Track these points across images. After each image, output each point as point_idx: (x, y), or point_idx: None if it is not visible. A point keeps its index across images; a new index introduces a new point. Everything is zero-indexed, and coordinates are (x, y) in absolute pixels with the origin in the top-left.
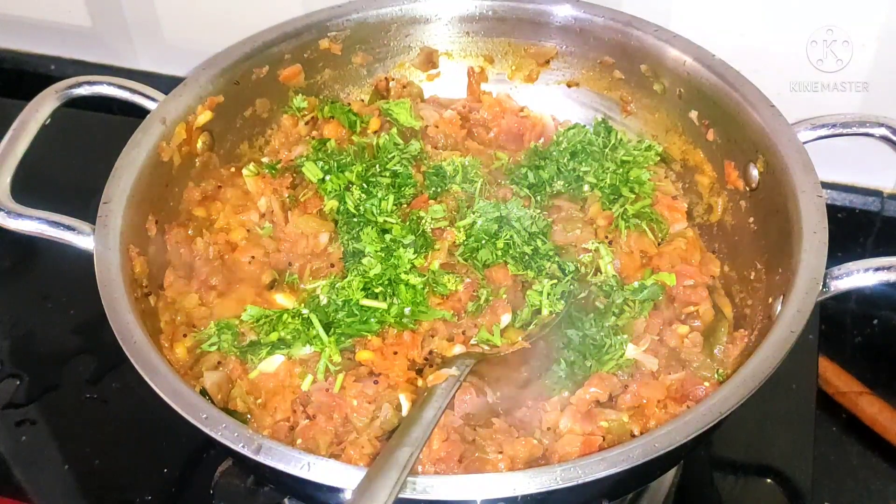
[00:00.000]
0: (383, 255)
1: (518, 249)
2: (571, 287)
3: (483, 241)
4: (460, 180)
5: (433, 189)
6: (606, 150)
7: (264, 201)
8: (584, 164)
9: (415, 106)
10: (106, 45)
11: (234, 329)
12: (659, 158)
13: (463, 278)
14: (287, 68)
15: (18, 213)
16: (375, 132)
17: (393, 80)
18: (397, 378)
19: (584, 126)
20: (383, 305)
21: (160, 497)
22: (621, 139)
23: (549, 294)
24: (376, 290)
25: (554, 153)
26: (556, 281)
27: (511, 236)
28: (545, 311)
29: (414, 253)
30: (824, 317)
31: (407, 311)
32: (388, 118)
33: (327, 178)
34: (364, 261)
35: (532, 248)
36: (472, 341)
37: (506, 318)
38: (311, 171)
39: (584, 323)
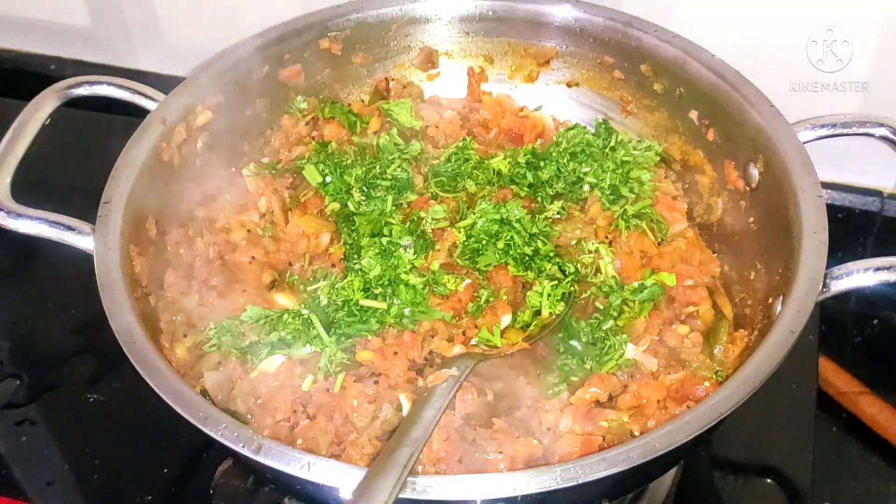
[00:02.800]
0: (382, 256)
1: (518, 250)
2: (572, 288)
3: (483, 242)
4: (455, 167)
5: (433, 191)
6: (606, 150)
7: (264, 201)
8: (584, 164)
9: (415, 106)
10: (106, 45)
11: (235, 329)
12: (659, 158)
13: (463, 279)
14: (287, 68)
15: (18, 213)
16: (376, 132)
17: (393, 80)
18: (397, 378)
19: (584, 126)
20: (383, 306)
21: (160, 497)
22: (621, 140)
23: (549, 295)
24: (376, 291)
25: (553, 154)
26: (556, 282)
27: (511, 237)
28: (545, 313)
29: (414, 253)
30: (824, 317)
31: (407, 311)
32: (389, 118)
33: (328, 179)
34: (364, 262)
35: (532, 248)
36: (472, 342)
37: (506, 319)
38: (312, 175)
39: (581, 334)
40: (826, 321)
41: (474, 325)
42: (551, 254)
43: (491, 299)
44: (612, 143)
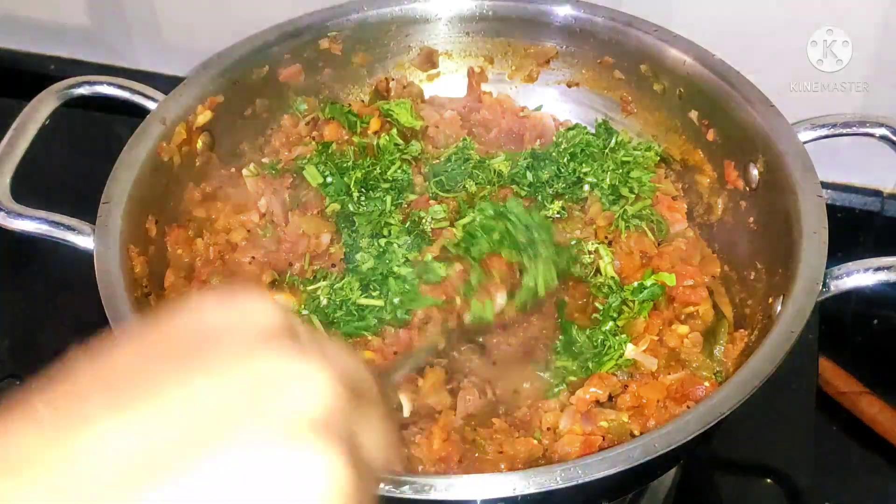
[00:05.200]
0: (378, 257)
1: (513, 238)
2: (569, 266)
3: (479, 234)
4: (455, 167)
5: (433, 191)
6: (606, 150)
7: (264, 201)
8: (584, 164)
9: (415, 106)
10: (106, 45)
11: None
12: (659, 159)
13: (454, 265)
14: (287, 68)
15: (18, 213)
16: (376, 133)
17: (393, 80)
18: (398, 378)
19: (585, 126)
20: (380, 303)
21: None
22: (621, 140)
23: (543, 273)
24: (373, 293)
25: (553, 154)
26: (551, 263)
27: (507, 227)
28: (542, 293)
29: (407, 249)
30: (824, 317)
31: (396, 300)
32: (389, 119)
33: (329, 180)
34: (357, 256)
35: (528, 237)
36: (467, 320)
37: (501, 298)
38: (312, 176)
39: (579, 343)
40: (826, 321)
41: (467, 305)
42: (547, 240)
43: (482, 279)
44: (612, 144)
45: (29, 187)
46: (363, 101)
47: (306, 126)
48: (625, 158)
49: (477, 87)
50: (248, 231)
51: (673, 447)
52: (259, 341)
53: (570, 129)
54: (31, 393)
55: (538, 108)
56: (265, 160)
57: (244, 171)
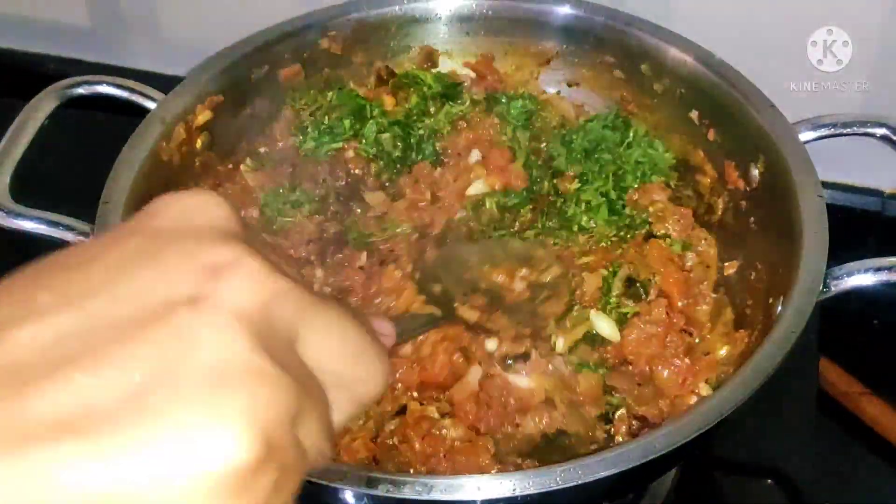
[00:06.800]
0: None
1: None
2: None
3: None
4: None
5: None
6: (622, 148)
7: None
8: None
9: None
10: (105, 45)
11: None
12: (674, 161)
13: None
14: (287, 68)
15: (18, 213)
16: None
17: (391, 69)
18: None
19: (604, 117)
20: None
21: None
22: (637, 134)
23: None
24: None
25: (576, 141)
26: None
27: None
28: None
29: None
30: (824, 317)
31: None
32: (408, 82)
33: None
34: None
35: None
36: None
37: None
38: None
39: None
40: (826, 321)
41: None
42: None
43: None
44: (628, 139)
45: (29, 187)
46: (367, 87)
47: (310, 117)
48: (640, 159)
49: (486, 72)
50: (248, 227)
51: (673, 447)
52: (203, 237)
53: (589, 120)
54: None
55: (558, 93)
56: (263, 149)
57: (242, 167)
